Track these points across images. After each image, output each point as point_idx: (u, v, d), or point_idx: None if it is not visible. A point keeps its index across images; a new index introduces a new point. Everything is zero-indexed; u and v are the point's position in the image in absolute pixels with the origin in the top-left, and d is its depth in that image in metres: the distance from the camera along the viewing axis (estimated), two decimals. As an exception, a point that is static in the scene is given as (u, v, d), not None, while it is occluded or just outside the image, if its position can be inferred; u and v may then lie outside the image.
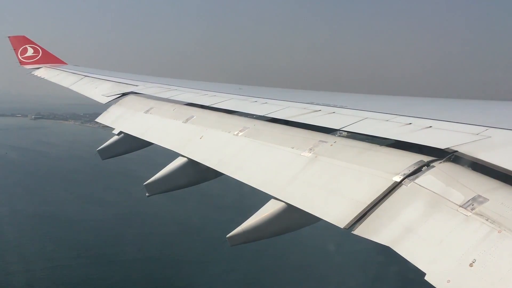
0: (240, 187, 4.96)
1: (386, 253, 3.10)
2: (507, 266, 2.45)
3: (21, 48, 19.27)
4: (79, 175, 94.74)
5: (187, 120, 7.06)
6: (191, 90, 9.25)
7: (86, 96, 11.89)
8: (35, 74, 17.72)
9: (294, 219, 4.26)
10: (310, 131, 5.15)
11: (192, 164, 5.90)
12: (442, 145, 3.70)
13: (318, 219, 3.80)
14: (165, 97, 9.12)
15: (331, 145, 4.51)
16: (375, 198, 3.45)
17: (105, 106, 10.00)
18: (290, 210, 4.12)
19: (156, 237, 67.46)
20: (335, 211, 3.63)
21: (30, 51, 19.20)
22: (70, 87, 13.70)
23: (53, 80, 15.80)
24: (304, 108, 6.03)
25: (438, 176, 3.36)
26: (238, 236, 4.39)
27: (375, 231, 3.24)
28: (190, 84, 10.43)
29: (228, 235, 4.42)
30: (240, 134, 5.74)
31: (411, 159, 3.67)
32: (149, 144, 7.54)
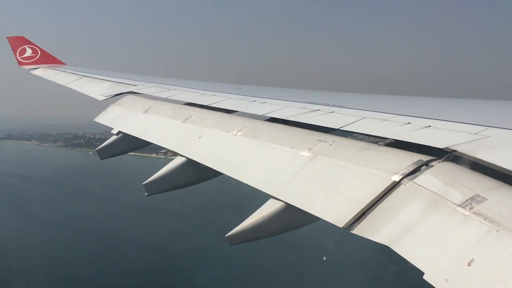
0: (239, 186, 4.96)
1: (385, 252, 3.10)
2: (505, 265, 2.45)
3: (19, 49, 19.20)
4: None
5: (186, 119, 7.04)
6: (190, 89, 9.23)
7: (84, 94, 11.84)
8: (33, 73, 17.66)
9: (293, 218, 4.26)
10: (309, 130, 5.14)
11: (191, 163, 5.88)
12: (441, 145, 3.70)
13: (317, 219, 3.80)
14: (164, 96, 9.09)
15: (330, 144, 4.51)
16: (374, 197, 3.45)
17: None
18: (289, 210, 4.11)
19: (155, 237, 67.31)
20: (334, 210, 3.62)
21: (28, 52, 19.12)
22: (68, 85, 13.64)
23: (51, 79, 15.74)
24: (303, 108, 6.03)
25: (437, 176, 3.35)
26: (237, 236, 4.38)
27: (374, 230, 3.24)
28: (189, 84, 10.41)
29: (227, 235, 4.42)
30: (239, 133, 5.73)
31: (410, 159, 3.67)
32: (148, 143, 7.53)
